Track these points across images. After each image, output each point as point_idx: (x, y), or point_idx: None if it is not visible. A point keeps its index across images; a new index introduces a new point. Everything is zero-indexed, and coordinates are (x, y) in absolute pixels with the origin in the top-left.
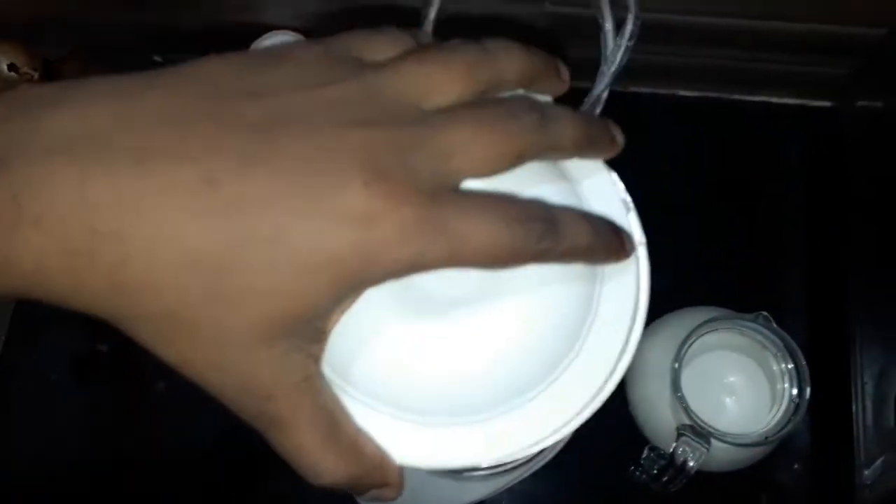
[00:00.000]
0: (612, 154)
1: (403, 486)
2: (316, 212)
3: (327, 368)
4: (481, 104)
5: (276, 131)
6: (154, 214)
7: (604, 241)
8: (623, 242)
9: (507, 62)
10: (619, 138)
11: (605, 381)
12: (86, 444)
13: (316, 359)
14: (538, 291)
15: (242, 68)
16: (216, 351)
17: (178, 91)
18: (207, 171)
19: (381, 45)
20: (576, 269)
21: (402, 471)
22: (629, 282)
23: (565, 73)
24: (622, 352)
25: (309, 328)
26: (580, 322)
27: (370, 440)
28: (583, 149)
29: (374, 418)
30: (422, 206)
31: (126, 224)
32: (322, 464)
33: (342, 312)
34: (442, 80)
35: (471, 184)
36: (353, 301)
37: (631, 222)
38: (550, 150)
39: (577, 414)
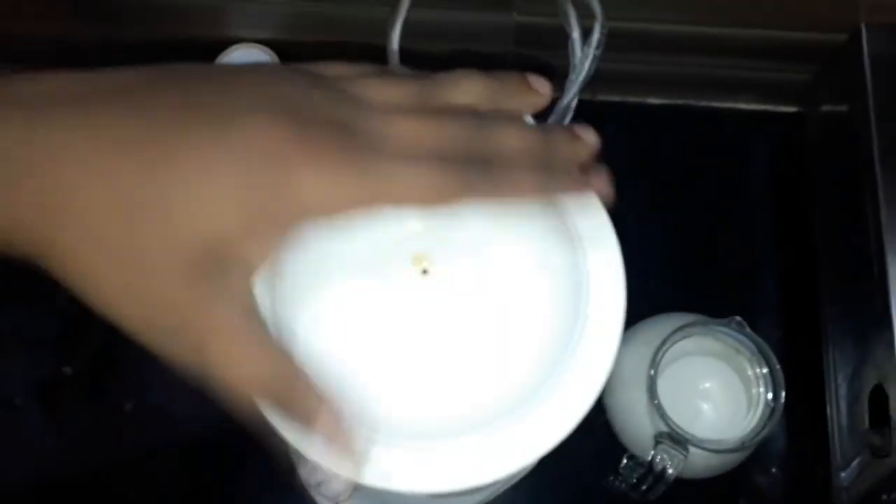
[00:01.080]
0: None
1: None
2: (236, 149)
3: None
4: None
5: (220, 98)
6: (86, 148)
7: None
8: (534, 85)
9: (458, 88)
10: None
11: (590, 399)
12: (53, 467)
13: (237, 292)
14: (522, 311)
15: (205, 66)
16: (135, 279)
17: (134, 71)
18: (140, 118)
19: (341, 66)
20: (560, 287)
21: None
22: (614, 297)
23: (540, 84)
24: (606, 369)
25: (225, 262)
26: (565, 339)
27: (296, 363)
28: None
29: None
30: (342, 152)
31: (60, 158)
32: (248, 366)
33: (265, 256)
34: (391, 92)
35: None
36: (274, 245)
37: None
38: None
39: (561, 433)
